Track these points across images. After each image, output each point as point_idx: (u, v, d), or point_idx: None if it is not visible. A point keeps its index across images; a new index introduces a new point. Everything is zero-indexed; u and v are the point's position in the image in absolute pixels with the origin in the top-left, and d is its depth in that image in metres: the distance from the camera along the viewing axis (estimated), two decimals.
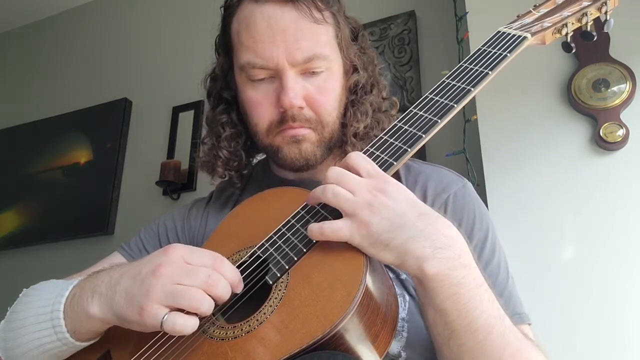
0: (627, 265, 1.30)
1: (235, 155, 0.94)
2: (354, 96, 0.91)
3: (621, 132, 1.39)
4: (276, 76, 0.83)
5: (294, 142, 0.85)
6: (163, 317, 0.60)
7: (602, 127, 1.40)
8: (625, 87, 1.43)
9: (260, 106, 0.85)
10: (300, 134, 0.84)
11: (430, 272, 0.61)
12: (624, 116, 1.41)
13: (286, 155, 0.86)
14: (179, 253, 0.64)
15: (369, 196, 0.64)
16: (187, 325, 0.60)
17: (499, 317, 0.64)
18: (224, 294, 0.63)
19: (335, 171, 0.67)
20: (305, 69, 0.83)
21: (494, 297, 0.65)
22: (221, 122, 0.94)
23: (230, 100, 0.94)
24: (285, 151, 0.86)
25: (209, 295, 0.62)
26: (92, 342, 0.70)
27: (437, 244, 0.61)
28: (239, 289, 0.66)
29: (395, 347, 0.76)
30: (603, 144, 1.40)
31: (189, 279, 0.61)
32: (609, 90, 1.44)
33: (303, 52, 0.81)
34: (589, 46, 1.46)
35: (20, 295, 0.78)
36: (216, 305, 0.63)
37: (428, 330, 0.68)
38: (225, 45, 0.91)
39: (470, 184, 0.90)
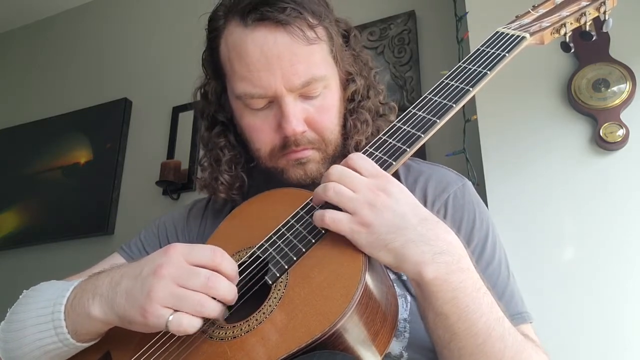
0: (627, 265, 1.30)
1: (236, 178, 0.92)
2: (352, 104, 0.90)
3: (621, 132, 1.39)
4: (275, 101, 0.81)
5: (298, 164, 0.84)
6: (168, 318, 0.60)
7: (602, 127, 1.40)
8: (625, 87, 1.43)
9: (261, 132, 0.84)
10: (305, 156, 0.83)
11: (429, 276, 0.61)
12: (624, 116, 1.41)
13: (292, 177, 0.85)
14: (179, 252, 0.64)
15: (371, 195, 0.64)
16: (193, 324, 0.61)
17: (499, 320, 0.64)
18: (226, 294, 0.63)
19: (337, 169, 0.67)
20: (304, 92, 0.81)
21: (493, 300, 0.65)
22: (219, 145, 0.92)
23: (226, 122, 0.93)
24: (291, 173, 0.85)
25: (212, 297, 0.62)
26: (92, 342, 0.70)
27: (436, 249, 0.62)
28: (235, 282, 0.66)
29: (397, 347, 0.76)
30: (603, 144, 1.40)
31: (189, 280, 0.61)
32: (609, 90, 1.44)
33: (300, 76, 0.79)
34: (589, 46, 1.46)
35: (21, 296, 0.78)
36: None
37: (428, 333, 0.68)
38: (215, 69, 0.89)
39: (470, 183, 0.90)
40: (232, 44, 0.82)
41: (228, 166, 0.91)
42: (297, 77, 0.79)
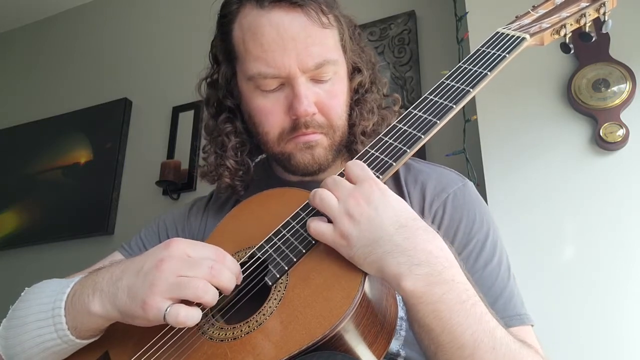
0: (627, 265, 1.30)
1: (241, 164, 0.92)
2: (357, 96, 0.92)
3: (621, 132, 1.39)
4: (287, 83, 0.82)
5: (307, 148, 0.84)
6: (166, 310, 0.60)
7: (602, 127, 1.40)
8: (625, 87, 1.43)
9: (271, 115, 0.84)
10: (313, 139, 0.84)
11: (407, 289, 0.59)
12: (624, 116, 1.41)
13: (299, 161, 0.85)
14: (181, 247, 0.64)
15: (352, 204, 0.63)
16: (190, 316, 0.60)
17: (489, 331, 0.61)
18: (228, 283, 0.63)
19: (332, 178, 0.68)
20: (315, 75, 0.82)
21: (484, 310, 0.63)
22: (226, 131, 0.92)
23: (233, 109, 0.93)
24: (298, 157, 0.85)
25: (214, 286, 0.62)
26: (92, 339, 0.70)
27: (414, 260, 0.60)
28: (239, 280, 0.66)
29: (394, 345, 0.77)
30: (603, 144, 1.40)
31: (192, 270, 0.62)
32: (609, 90, 1.44)
33: (314, 58, 0.80)
34: (589, 46, 1.46)
35: (22, 293, 0.78)
36: (223, 297, 0.63)
37: (418, 343, 0.67)
38: (227, 53, 0.89)
39: (471, 184, 0.90)
40: (247, 26, 0.83)
41: (234, 152, 0.92)
42: (311, 59, 0.80)
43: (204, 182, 0.97)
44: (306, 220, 0.68)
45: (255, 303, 0.66)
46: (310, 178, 0.89)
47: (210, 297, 0.61)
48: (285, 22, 0.80)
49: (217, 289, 0.63)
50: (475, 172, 1.57)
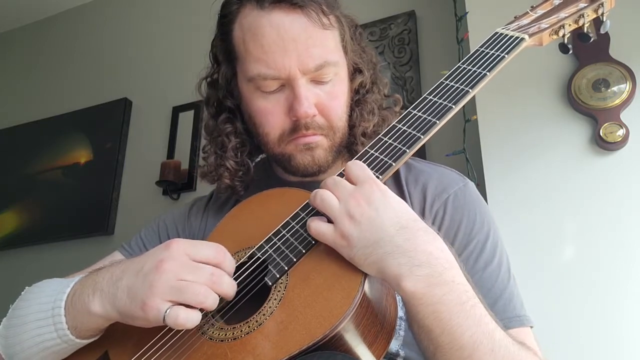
0: (627, 265, 1.30)
1: (241, 165, 0.92)
2: (357, 96, 0.92)
3: (621, 132, 1.39)
4: (287, 85, 0.82)
5: (307, 149, 0.84)
6: (165, 311, 0.60)
7: (602, 127, 1.40)
8: (625, 87, 1.43)
9: (271, 116, 0.84)
10: (314, 141, 0.84)
11: (408, 290, 0.60)
12: (624, 116, 1.41)
13: (299, 162, 0.85)
14: (181, 248, 0.64)
15: (352, 204, 0.63)
16: (190, 318, 0.60)
17: (488, 333, 0.61)
18: (229, 290, 0.63)
19: (332, 178, 0.68)
20: (316, 76, 0.82)
21: (483, 312, 0.63)
22: (226, 132, 0.92)
23: (233, 109, 0.93)
24: (298, 159, 0.85)
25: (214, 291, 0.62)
26: (92, 339, 0.70)
27: (414, 261, 0.60)
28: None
29: (393, 345, 0.77)
30: (603, 144, 1.40)
31: (192, 275, 0.62)
32: (609, 90, 1.44)
33: (314, 60, 0.80)
34: (589, 46, 1.46)
35: (23, 292, 0.78)
36: (222, 300, 0.64)
37: (417, 343, 0.67)
38: (227, 53, 0.89)
39: (472, 184, 0.89)
40: (247, 26, 0.83)
41: (234, 152, 0.92)
42: (311, 60, 0.80)
43: (204, 182, 0.97)
44: (306, 221, 0.68)
45: (255, 303, 0.66)
46: (310, 179, 0.89)
47: (211, 302, 0.62)
48: (285, 23, 0.80)
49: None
50: (475, 172, 1.57)
